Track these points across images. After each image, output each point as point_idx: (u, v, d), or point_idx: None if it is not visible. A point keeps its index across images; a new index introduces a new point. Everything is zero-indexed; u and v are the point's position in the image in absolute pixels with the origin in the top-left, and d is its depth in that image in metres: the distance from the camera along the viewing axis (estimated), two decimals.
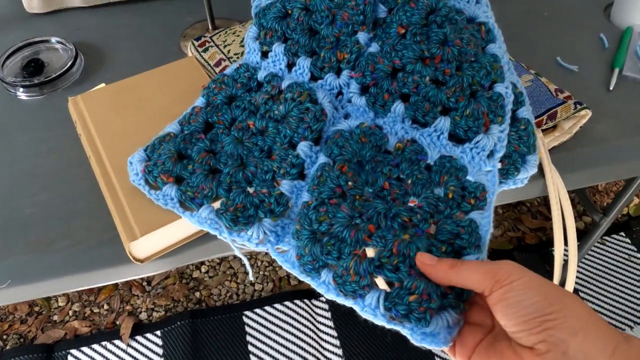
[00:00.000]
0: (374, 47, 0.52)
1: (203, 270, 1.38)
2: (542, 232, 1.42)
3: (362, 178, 0.47)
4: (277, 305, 1.29)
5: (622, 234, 1.42)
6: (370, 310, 0.40)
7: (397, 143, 0.49)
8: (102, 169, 0.52)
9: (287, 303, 1.29)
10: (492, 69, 0.50)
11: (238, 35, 0.64)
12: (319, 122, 0.50)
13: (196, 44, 0.65)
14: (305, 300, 1.29)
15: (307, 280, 0.45)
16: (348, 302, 0.42)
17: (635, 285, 1.31)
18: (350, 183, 0.46)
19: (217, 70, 0.62)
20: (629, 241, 1.40)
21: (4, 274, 0.49)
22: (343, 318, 1.26)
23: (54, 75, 0.66)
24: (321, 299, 1.30)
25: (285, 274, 1.36)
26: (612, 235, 1.41)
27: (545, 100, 0.56)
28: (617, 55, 0.67)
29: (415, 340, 0.37)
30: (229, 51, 0.63)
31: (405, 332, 0.38)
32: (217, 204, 0.48)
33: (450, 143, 0.49)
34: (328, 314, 1.27)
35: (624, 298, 1.29)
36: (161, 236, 0.48)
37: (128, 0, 0.80)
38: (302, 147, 0.49)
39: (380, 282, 0.40)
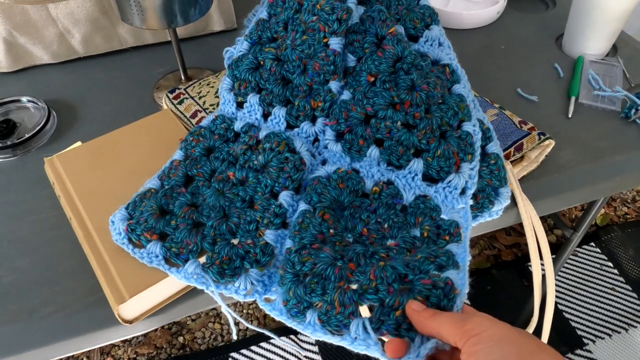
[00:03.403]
0: (346, 95, 0.54)
1: None
2: (517, 247, 1.46)
3: (342, 224, 0.49)
4: (264, 344, 1.28)
5: (592, 244, 1.47)
6: (361, 341, 0.40)
7: (374, 187, 0.51)
8: (84, 230, 0.52)
9: (274, 341, 1.28)
10: (459, 108, 0.53)
11: (212, 87, 0.65)
12: (299, 171, 0.51)
13: (171, 96, 0.65)
14: (292, 337, 1.28)
15: (293, 325, 0.45)
16: (336, 340, 0.42)
17: (609, 294, 1.36)
18: (331, 230, 0.48)
19: (194, 121, 0.63)
20: (599, 251, 1.46)
21: None
22: (331, 352, 1.25)
23: (27, 136, 0.66)
24: None
25: None
26: (583, 247, 1.46)
27: (510, 132, 0.59)
28: (572, 84, 0.72)
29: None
30: (204, 102, 0.64)
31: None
32: (202, 258, 0.48)
33: (424, 183, 0.51)
34: (315, 348, 1.26)
35: (600, 307, 1.33)
36: (149, 295, 0.48)
37: (97, 55, 0.80)
38: (285, 197, 0.50)
39: (364, 310, 0.41)
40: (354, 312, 0.41)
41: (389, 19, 0.54)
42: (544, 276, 0.60)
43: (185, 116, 0.64)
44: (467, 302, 0.40)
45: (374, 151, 0.51)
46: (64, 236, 0.56)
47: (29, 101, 0.71)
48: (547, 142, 0.59)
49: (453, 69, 0.56)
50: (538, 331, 0.65)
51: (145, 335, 1.31)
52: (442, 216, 0.49)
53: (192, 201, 0.52)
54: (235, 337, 0.51)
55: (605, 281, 1.39)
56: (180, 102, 0.65)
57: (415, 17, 0.58)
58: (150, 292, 0.48)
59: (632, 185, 0.63)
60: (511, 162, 0.58)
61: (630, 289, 1.37)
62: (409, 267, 0.41)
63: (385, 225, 0.48)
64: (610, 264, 1.42)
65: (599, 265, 1.42)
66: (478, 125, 0.54)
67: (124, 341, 1.30)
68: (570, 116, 0.68)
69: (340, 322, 0.41)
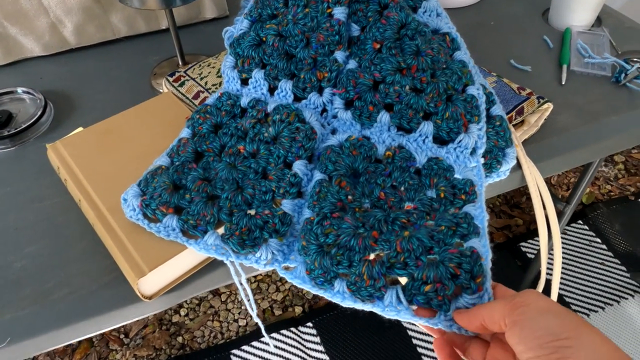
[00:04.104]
0: (351, 64, 0.55)
1: (182, 313, 1.34)
2: (508, 229, 1.49)
3: (359, 190, 0.49)
4: (265, 339, 1.27)
5: (580, 222, 1.51)
6: (392, 308, 0.41)
7: (387, 151, 0.51)
8: (96, 210, 0.51)
9: (274, 335, 1.27)
10: (462, 73, 0.54)
11: (213, 67, 0.65)
12: (311, 140, 0.51)
13: (171, 79, 0.65)
14: (292, 329, 1.28)
15: (319, 292, 0.46)
16: (366, 307, 0.43)
17: (599, 269, 1.39)
18: (349, 197, 0.48)
19: (197, 102, 0.62)
20: (587, 228, 1.49)
21: (3, 332, 0.46)
22: (332, 341, 1.25)
23: (24, 126, 0.65)
24: (308, 324, 1.29)
25: (268, 305, 1.34)
26: (572, 225, 1.50)
27: (510, 98, 0.60)
28: (562, 54, 0.74)
29: (446, 328, 0.39)
30: (206, 83, 0.64)
31: (432, 324, 0.40)
32: (220, 230, 0.48)
33: (435, 145, 0.52)
34: (317, 339, 1.26)
35: (592, 282, 1.36)
36: (168, 269, 0.47)
37: (89, 46, 0.79)
38: (299, 166, 0.50)
39: (403, 279, 0.42)
40: (386, 285, 0.41)
41: None
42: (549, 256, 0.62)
43: (187, 98, 0.63)
44: None
45: (384, 116, 0.52)
46: (72, 220, 0.55)
47: (24, 92, 0.69)
48: (545, 105, 0.61)
49: (453, 37, 0.58)
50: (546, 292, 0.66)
51: (143, 337, 1.29)
52: (455, 175, 0.50)
53: (204, 175, 0.52)
54: (254, 315, 0.51)
55: (594, 256, 1.42)
56: (182, 85, 0.64)
57: None
58: (169, 266, 0.47)
59: (629, 145, 0.65)
60: (513, 126, 0.59)
61: (619, 262, 1.41)
62: (434, 239, 0.42)
63: (402, 188, 0.49)
64: (599, 240, 1.46)
65: (587, 242, 1.46)
66: (482, 90, 0.55)
67: (122, 345, 1.28)
68: (563, 83, 0.70)
69: (372, 294, 0.42)
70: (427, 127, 0.51)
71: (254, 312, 0.50)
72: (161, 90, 0.69)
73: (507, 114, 0.59)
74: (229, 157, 0.53)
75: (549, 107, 0.61)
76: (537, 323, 0.31)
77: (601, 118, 0.65)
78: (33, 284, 0.50)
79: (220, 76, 0.64)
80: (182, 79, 0.65)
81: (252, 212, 0.49)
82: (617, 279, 1.37)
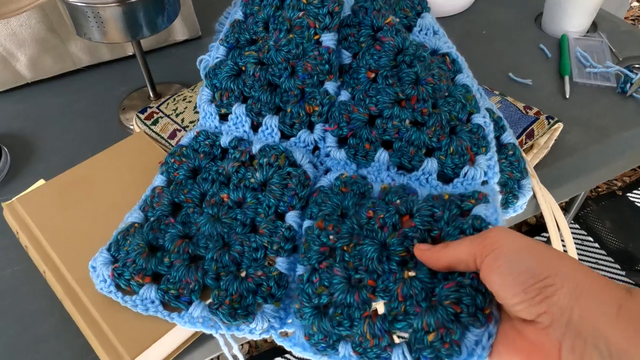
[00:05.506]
0: (344, 95, 0.49)
1: None
2: None
3: (347, 224, 0.42)
4: None
5: (571, 221, 1.48)
6: None
7: (383, 185, 0.45)
8: (62, 284, 0.44)
9: None
10: (466, 100, 0.49)
11: (189, 102, 0.59)
12: (305, 187, 0.45)
13: (142, 116, 0.58)
14: (287, 356, 1.22)
15: (324, 359, 0.40)
16: None
17: (594, 269, 1.37)
18: (332, 237, 0.41)
19: (174, 142, 0.56)
20: (578, 227, 1.47)
21: None
22: None
23: None
24: None
25: None
26: None
27: (518, 119, 0.56)
28: (562, 64, 0.69)
29: None
30: (182, 120, 0.57)
31: None
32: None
33: (439, 183, 0.47)
34: None
35: None
36: (154, 351, 0.41)
37: (48, 78, 0.72)
38: (293, 218, 0.44)
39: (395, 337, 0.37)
40: (391, 344, 0.36)
41: (383, 8, 0.49)
42: None
43: (162, 137, 0.57)
44: None
45: (382, 155, 0.46)
46: (38, 291, 0.48)
47: None
48: (556, 125, 0.56)
49: (453, 58, 0.52)
50: None
51: None
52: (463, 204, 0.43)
53: (184, 232, 0.45)
54: None
55: (588, 256, 1.40)
56: (155, 123, 0.58)
57: (405, 6, 0.54)
58: (155, 347, 0.41)
59: None
60: (523, 150, 0.55)
61: (612, 260, 1.39)
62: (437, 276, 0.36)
63: (398, 201, 0.41)
64: (591, 239, 1.44)
65: (580, 241, 1.43)
66: (488, 116, 0.50)
67: None
68: (567, 97, 0.65)
69: (379, 355, 0.36)
70: (430, 165, 0.46)
71: None
72: (131, 127, 0.62)
73: (517, 137, 0.54)
74: (211, 208, 0.46)
75: (559, 127, 0.56)
76: (515, 267, 0.29)
77: (611, 134, 0.60)
78: None
79: (198, 112, 0.58)
80: (155, 115, 0.58)
81: (243, 273, 0.43)
82: (613, 278, 1.35)
